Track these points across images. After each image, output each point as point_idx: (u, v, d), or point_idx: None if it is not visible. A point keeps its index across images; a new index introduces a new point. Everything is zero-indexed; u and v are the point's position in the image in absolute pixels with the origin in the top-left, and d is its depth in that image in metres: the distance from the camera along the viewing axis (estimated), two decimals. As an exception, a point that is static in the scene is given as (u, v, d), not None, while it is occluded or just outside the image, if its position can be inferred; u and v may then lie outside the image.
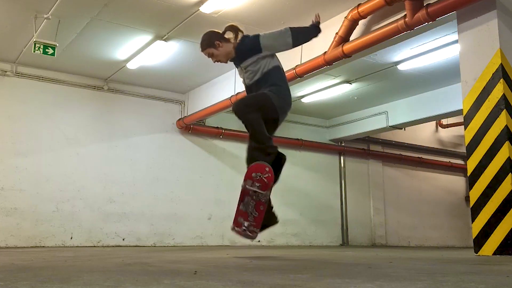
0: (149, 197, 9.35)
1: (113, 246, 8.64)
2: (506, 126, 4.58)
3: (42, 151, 8.49)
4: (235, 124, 9.69)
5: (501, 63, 4.69)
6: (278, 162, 3.93)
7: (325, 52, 6.50)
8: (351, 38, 6.24)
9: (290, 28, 3.96)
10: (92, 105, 9.12)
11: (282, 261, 3.87)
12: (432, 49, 7.58)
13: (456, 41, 6.15)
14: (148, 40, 7.45)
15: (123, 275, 2.35)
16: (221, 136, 10.16)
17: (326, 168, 11.81)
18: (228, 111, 9.13)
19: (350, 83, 9.30)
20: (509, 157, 4.51)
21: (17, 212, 8.08)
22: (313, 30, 4.11)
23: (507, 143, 4.55)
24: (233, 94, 8.26)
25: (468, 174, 4.87)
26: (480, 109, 4.81)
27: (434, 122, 13.31)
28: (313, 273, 2.51)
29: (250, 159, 3.87)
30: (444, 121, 13.21)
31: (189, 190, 9.81)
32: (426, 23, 5.36)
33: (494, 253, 4.50)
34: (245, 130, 3.87)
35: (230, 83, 8.48)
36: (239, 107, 3.84)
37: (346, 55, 6.29)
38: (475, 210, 4.73)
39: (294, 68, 6.99)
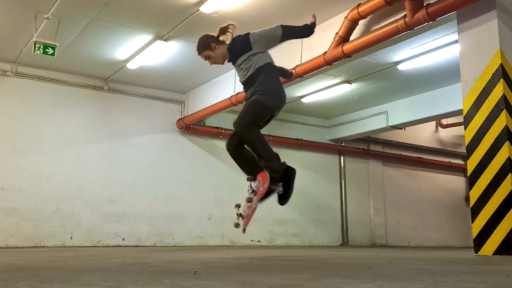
0: (149, 197, 9.35)
1: (113, 246, 8.64)
2: (506, 126, 4.58)
3: (42, 151, 8.49)
4: (235, 124, 9.69)
5: (501, 63, 4.69)
6: (286, 175, 4.08)
7: (325, 52, 6.50)
8: (351, 38, 6.24)
9: (281, 25, 4.05)
10: (92, 105, 9.12)
11: (282, 261, 3.88)
12: (432, 49, 7.58)
13: (456, 41, 6.15)
14: (148, 40, 7.45)
15: (123, 275, 2.35)
16: (221, 136, 10.16)
17: (326, 168, 11.80)
18: (228, 111, 9.14)
19: (350, 83, 9.30)
20: (509, 157, 4.51)
21: (17, 212, 8.08)
22: (305, 30, 4.19)
23: (507, 143, 4.55)
24: (233, 94, 8.25)
25: (468, 174, 4.87)
26: (480, 109, 4.81)
27: (434, 122, 13.30)
28: (313, 273, 2.51)
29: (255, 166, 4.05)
30: (444, 121, 13.21)
31: (189, 190, 9.81)
32: (426, 23, 5.36)
33: (494, 253, 4.50)
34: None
35: (230, 83, 8.48)
36: (241, 128, 3.95)
37: (346, 55, 6.29)
38: (475, 210, 4.73)
39: (294, 68, 6.99)
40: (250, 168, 4.07)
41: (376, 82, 9.26)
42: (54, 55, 7.02)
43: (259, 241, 10.35)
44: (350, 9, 6.08)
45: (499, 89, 4.66)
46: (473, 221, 4.75)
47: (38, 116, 8.55)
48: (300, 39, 7.07)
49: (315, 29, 4.26)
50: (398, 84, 9.39)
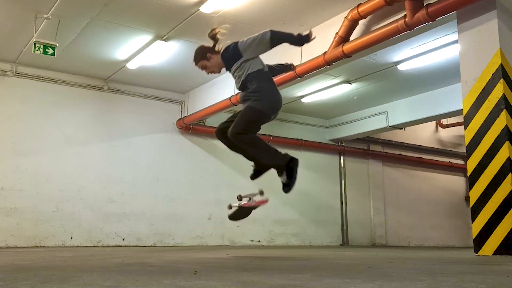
0: (149, 197, 9.35)
1: (113, 246, 8.64)
2: (506, 126, 4.58)
3: (42, 151, 8.49)
4: (235, 124, 9.69)
5: (501, 63, 4.69)
6: (289, 165, 4.11)
7: (325, 52, 6.49)
8: (351, 38, 6.24)
9: (271, 30, 4.04)
10: (92, 105, 9.12)
11: (282, 261, 3.88)
12: (432, 49, 7.58)
13: (456, 41, 6.15)
14: (148, 40, 7.45)
15: (123, 275, 2.35)
16: (221, 136, 10.14)
17: (326, 168, 11.80)
18: (228, 111, 9.13)
19: (350, 83, 9.30)
20: (509, 157, 4.51)
21: (17, 212, 8.08)
22: (297, 39, 4.14)
23: (507, 143, 4.55)
24: (233, 94, 8.25)
25: (468, 174, 4.87)
26: (480, 109, 4.82)
27: (434, 122, 13.31)
28: (313, 273, 2.51)
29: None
30: (444, 121, 13.21)
31: (189, 190, 9.80)
32: (426, 23, 5.36)
33: (494, 253, 4.51)
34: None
35: (230, 83, 8.46)
36: (234, 136, 3.97)
37: (346, 55, 6.29)
38: (475, 210, 4.73)
39: (294, 69, 6.98)
40: (249, 155, 4.21)
41: (376, 82, 9.26)
42: (54, 55, 7.02)
43: (259, 241, 10.35)
44: (350, 9, 6.08)
45: (499, 89, 4.66)
46: (473, 221, 4.75)
47: (38, 116, 8.55)
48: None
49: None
50: (398, 84, 9.39)
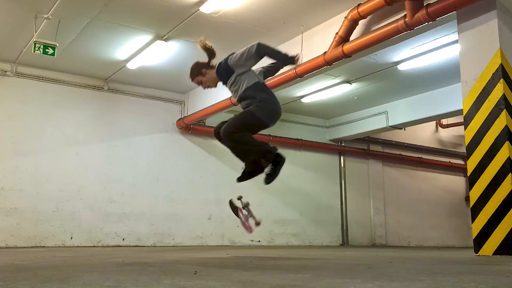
0: (149, 197, 9.35)
1: (113, 246, 8.64)
2: (506, 126, 4.58)
3: (42, 151, 8.48)
4: (235, 124, 9.69)
5: (501, 63, 4.69)
6: (276, 160, 4.21)
7: (325, 52, 6.49)
8: (351, 38, 6.24)
9: (258, 42, 4.05)
10: (92, 105, 9.12)
11: (282, 261, 3.88)
12: (432, 49, 7.58)
13: (456, 41, 6.15)
14: (148, 40, 7.45)
15: (123, 275, 2.35)
16: (221, 136, 10.14)
17: (326, 168, 11.80)
18: (228, 111, 9.13)
19: (350, 83, 9.30)
20: (509, 157, 4.51)
21: (17, 212, 8.08)
22: (283, 57, 4.17)
23: (507, 143, 4.55)
24: (233, 94, 8.24)
25: (468, 174, 4.87)
26: (480, 109, 4.82)
27: (434, 122, 13.30)
28: (313, 273, 2.51)
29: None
30: (444, 121, 13.21)
31: (189, 190, 9.80)
32: (426, 23, 5.35)
33: (494, 253, 4.51)
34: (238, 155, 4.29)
35: (230, 83, 8.46)
36: (225, 134, 4.08)
37: (346, 55, 6.29)
38: (475, 210, 4.73)
39: (294, 68, 6.99)
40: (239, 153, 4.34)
41: (376, 82, 9.26)
42: (54, 55, 7.01)
43: (259, 241, 10.35)
44: (350, 9, 6.08)
45: (499, 89, 4.66)
46: (473, 221, 4.75)
47: (38, 116, 8.55)
48: (300, 43, 7.09)
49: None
50: (398, 84, 9.39)
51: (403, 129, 11.49)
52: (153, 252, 5.66)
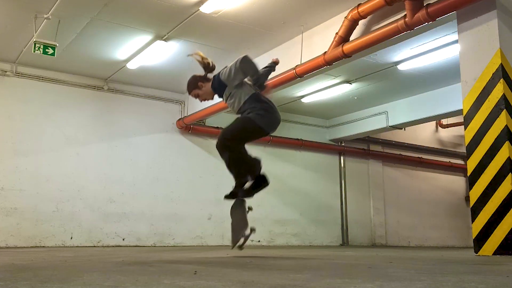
0: (149, 197, 9.35)
1: (113, 246, 8.64)
2: (506, 126, 4.58)
3: (42, 151, 8.48)
4: (235, 124, 9.69)
5: (501, 63, 4.69)
6: (260, 181, 4.31)
7: (325, 52, 6.49)
8: (351, 38, 6.24)
9: (244, 56, 4.03)
10: (92, 105, 9.12)
11: (282, 261, 3.88)
12: (432, 49, 7.58)
13: (456, 41, 6.15)
14: (148, 40, 7.45)
15: (123, 275, 2.35)
16: (221, 136, 10.15)
17: (326, 168, 11.80)
18: (228, 111, 9.13)
19: (350, 83, 9.30)
20: (509, 157, 4.51)
21: (17, 212, 8.08)
22: (263, 74, 4.34)
23: (507, 143, 4.55)
24: (233, 94, 8.25)
25: (468, 174, 4.87)
26: (480, 109, 4.82)
27: (434, 122, 13.31)
28: (313, 273, 2.51)
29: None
30: (444, 121, 13.21)
31: (189, 190, 9.80)
32: (426, 23, 5.35)
33: (494, 253, 4.51)
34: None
35: (230, 83, 8.47)
36: (219, 145, 4.09)
37: (346, 55, 6.29)
38: (475, 210, 4.73)
39: (294, 68, 6.99)
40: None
41: (376, 82, 9.26)
42: (54, 55, 7.01)
43: (259, 241, 10.35)
44: (350, 9, 6.08)
45: (499, 89, 4.66)
46: (473, 221, 4.75)
47: (38, 116, 8.55)
48: (300, 43, 7.10)
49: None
50: (398, 84, 9.39)
51: (403, 129, 11.50)
52: (153, 252, 5.66)
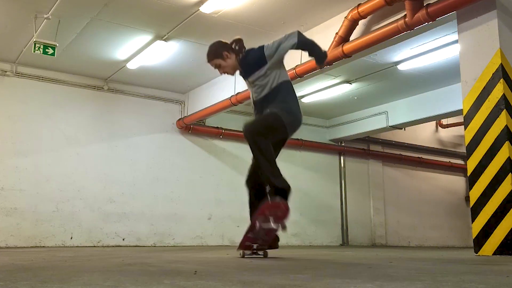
0: (149, 197, 9.35)
1: (113, 246, 8.64)
2: (506, 126, 4.58)
3: (42, 151, 8.49)
4: (235, 124, 9.70)
5: (501, 63, 4.69)
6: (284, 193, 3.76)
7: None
8: (351, 38, 6.24)
9: (298, 32, 3.83)
10: (92, 105, 9.12)
11: (282, 261, 3.87)
12: (432, 49, 7.58)
13: (456, 41, 6.15)
14: (148, 40, 7.45)
15: (123, 275, 2.35)
16: (221, 136, 10.16)
17: (326, 168, 11.80)
18: (228, 111, 9.15)
19: (350, 83, 9.30)
20: (509, 157, 4.51)
21: (17, 212, 8.08)
22: (322, 50, 3.96)
23: (507, 143, 4.55)
24: (233, 94, 8.26)
25: (468, 174, 4.87)
26: (480, 109, 4.82)
27: (434, 122, 13.30)
28: (313, 273, 2.51)
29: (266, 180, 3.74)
30: (444, 121, 13.21)
31: (189, 190, 9.81)
32: (426, 23, 5.36)
33: (494, 253, 4.50)
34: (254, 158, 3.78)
35: (230, 83, 8.48)
36: (250, 133, 3.63)
37: (346, 55, 6.29)
38: (475, 210, 4.73)
39: (294, 68, 6.99)
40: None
41: (376, 82, 9.26)
42: (54, 55, 7.01)
43: (259, 241, 10.34)
44: (350, 9, 6.08)
45: (499, 89, 4.66)
46: (473, 221, 4.75)
47: (38, 116, 8.55)
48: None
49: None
50: (398, 84, 9.39)
51: (403, 129, 11.50)
52: (153, 252, 5.66)
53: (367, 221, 12.08)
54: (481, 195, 4.69)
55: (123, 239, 8.94)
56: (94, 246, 8.53)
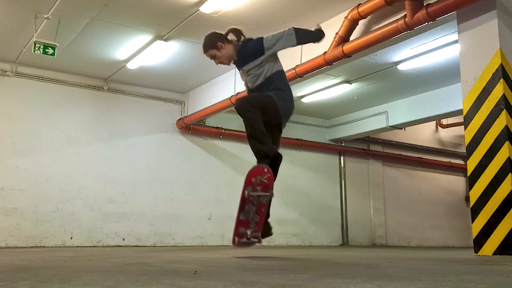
0: (149, 197, 9.35)
1: (113, 246, 8.64)
2: (506, 126, 4.58)
3: (42, 151, 8.49)
4: (235, 124, 9.70)
5: (501, 63, 4.69)
6: (274, 162, 3.86)
7: (325, 52, 6.49)
8: (351, 38, 6.24)
9: (294, 28, 3.93)
10: (92, 105, 9.12)
11: (282, 261, 3.87)
12: (432, 49, 7.58)
13: (456, 41, 6.15)
14: (148, 40, 7.45)
15: (123, 275, 2.35)
16: (221, 136, 10.16)
17: (326, 168, 11.81)
18: (228, 111, 9.14)
19: (350, 83, 9.30)
20: (509, 157, 4.51)
21: (17, 212, 8.08)
22: (318, 33, 4.09)
23: (507, 143, 4.55)
24: (233, 94, 8.26)
25: (468, 174, 4.87)
26: (480, 109, 4.82)
27: (434, 122, 13.31)
28: (313, 273, 2.51)
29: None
30: (444, 121, 13.21)
31: (189, 190, 9.81)
32: (426, 23, 5.36)
33: (494, 253, 4.50)
34: (245, 130, 3.82)
35: (230, 83, 8.48)
36: (242, 104, 3.74)
37: (346, 55, 6.29)
38: (475, 210, 4.73)
39: (294, 68, 6.99)
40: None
41: (376, 82, 9.26)
42: (54, 55, 7.02)
43: (259, 241, 10.34)
44: (350, 9, 6.08)
45: (499, 89, 4.66)
46: (473, 221, 4.75)
47: (38, 116, 8.55)
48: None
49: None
50: (398, 84, 9.39)
51: (403, 129, 11.50)
52: (153, 252, 5.66)
53: (367, 221, 12.08)
54: (481, 195, 4.69)
55: (123, 239, 8.94)
56: (94, 246, 8.53)
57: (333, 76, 8.93)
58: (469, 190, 4.85)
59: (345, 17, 6.15)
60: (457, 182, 14.03)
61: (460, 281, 2.06)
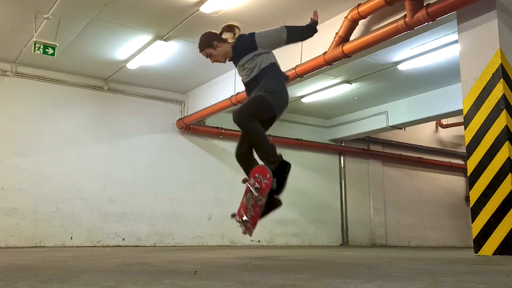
0: (149, 197, 9.35)
1: (113, 246, 8.64)
2: (506, 126, 4.58)
3: (42, 151, 8.49)
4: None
5: (501, 63, 4.69)
6: (282, 169, 3.97)
7: (325, 52, 6.50)
8: (351, 38, 6.24)
9: (285, 26, 4.04)
10: (92, 105, 9.12)
11: (282, 261, 3.88)
12: (432, 49, 7.58)
13: (456, 41, 6.15)
14: (148, 40, 7.45)
15: (123, 275, 2.35)
16: (221, 136, 10.16)
17: (326, 168, 11.80)
18: (228, 111, 9.13)
19: (350, 83, 9.30)
20: (509, 157, 4.51)
21: (17, 212, 8.08)
22: (309, 30, 4.19)
23: (507, 143, 4.55)
24: (233, 94, 8.26)
25: (468, 174, 4.87)
26: (480, 109, 4.82)
27: (434, 122, 13.31)
28: (313, 273, 2.51)
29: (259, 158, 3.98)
30: (444, 121, 13.21)
31: (189, 190, 9.81)
32: (426, 23, 5.36)
33: (494, 253, 4.51)
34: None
35: (230, 83, 8.48)
36: (238, 118, 3.84)
37: (346, 55, 6.29)
38: (475, 210, 4.73)
39: (294, 68, 6.99)
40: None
41: (376, 82, 9.26)
42: (54, 55, 7.02)
43: (259, 241, 10.35)
44: (350, 9, 6.08)
45: (499, 89, 4.66)
46: (473, 221, 4.75)
47: (38, 116, 8.56)
48: (300, 43, 7.07)
49: (318, 28, 4.24)
50: (398, 84, 9.39)
51: (403, 129, 11.50)
52: (153, 252, 5.66)
53: (367, 221, 12.08)
54: (481, 195, 4.69)
55: (123, 239, 8.94)
56: (94, 246, 8.53)
57: (333, 76, 8.93)
58: (469, 190, 4.85)
59: (345, 17, 6.15)
60: (457, 182, 14.03)
61: (460, 281, 2.06)
